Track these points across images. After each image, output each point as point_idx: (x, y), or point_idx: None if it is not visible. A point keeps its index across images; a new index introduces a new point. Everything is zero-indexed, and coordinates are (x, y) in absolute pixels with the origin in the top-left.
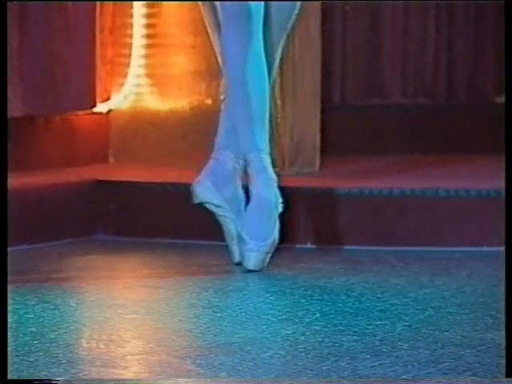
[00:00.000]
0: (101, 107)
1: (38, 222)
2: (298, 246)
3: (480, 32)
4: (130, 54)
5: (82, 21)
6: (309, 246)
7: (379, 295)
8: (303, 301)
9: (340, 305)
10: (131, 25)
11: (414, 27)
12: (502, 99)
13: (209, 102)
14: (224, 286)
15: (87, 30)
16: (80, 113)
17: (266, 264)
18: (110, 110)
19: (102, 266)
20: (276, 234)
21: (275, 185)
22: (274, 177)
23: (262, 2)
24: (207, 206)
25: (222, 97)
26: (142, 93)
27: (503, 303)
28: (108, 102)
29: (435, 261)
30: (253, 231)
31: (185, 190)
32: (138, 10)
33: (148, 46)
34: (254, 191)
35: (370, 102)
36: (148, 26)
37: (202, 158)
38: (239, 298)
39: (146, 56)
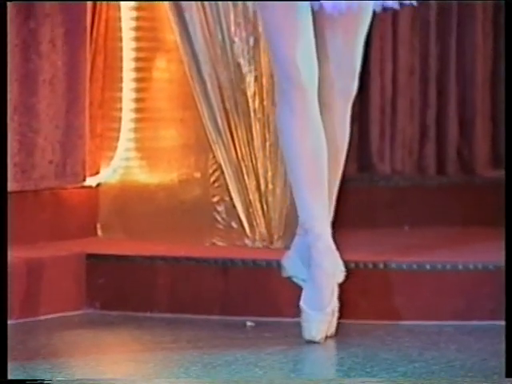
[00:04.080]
0: (90, 181)
1: (26, 296)
2: (287, 319)
3: (469, 106)
4: (119, 128)
5: (72, 95)
6: (297, 319)
7: (368, 369)
8: (292, 375)
9: (330, 379)
10: (120, 99)
11: (403, 100)
12: (491, 173)
13: (198, 175)
14: (213, 361)
15: (77, 105)
16: (69, 186)
17: (324, 335)
18: (99, 184)
19: (90, 341)
20: (335, 304)
21: (333, 253)
22: (332, 245)
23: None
24: (295, 279)
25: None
26: (132, 166)
27: (493, 378)
28: (97, 176)
29: (425, 335)
30: (310, 301)
31: (174, 264)
32: (128, 84)
33: (137, 120)
34: (311, 260)
35: (359, 175)
36: (137, 100)
37: (190, 231)
38: (228, 372)
39: (136, 130)
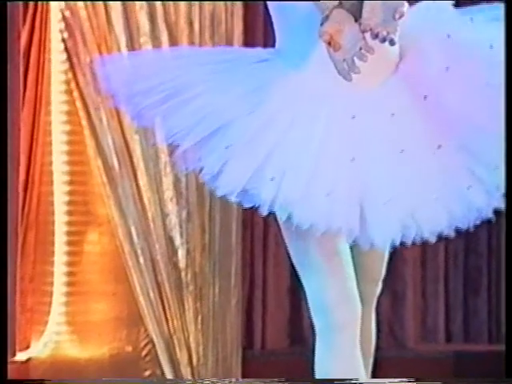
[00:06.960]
0: (20, 356)
1: None
2: None
3: (400, 280)
4: (50, 302)
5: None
6: None
7: None
8: None
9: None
10: (52, 273)
11: None
12: (421, 347)
13: (129, 349)
14: None
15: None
16: None
17: None
18: (29, 359)
19: None
20: None
21: None
22: None
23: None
24: None
25: None
26: (62, 340)
27: None
28: (27, 351)
29: None
30: None
31: None
32: (59, 257)
33: (69, 294)
34: None
35: (291, 348)
36: (69, 273)
37: None
38: None
39: (67, 303)
